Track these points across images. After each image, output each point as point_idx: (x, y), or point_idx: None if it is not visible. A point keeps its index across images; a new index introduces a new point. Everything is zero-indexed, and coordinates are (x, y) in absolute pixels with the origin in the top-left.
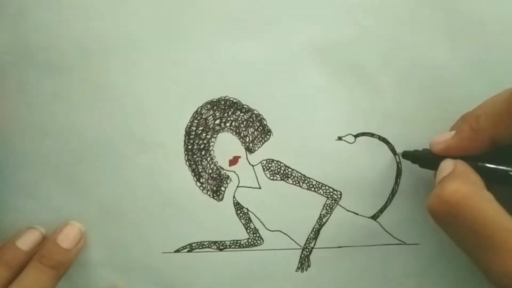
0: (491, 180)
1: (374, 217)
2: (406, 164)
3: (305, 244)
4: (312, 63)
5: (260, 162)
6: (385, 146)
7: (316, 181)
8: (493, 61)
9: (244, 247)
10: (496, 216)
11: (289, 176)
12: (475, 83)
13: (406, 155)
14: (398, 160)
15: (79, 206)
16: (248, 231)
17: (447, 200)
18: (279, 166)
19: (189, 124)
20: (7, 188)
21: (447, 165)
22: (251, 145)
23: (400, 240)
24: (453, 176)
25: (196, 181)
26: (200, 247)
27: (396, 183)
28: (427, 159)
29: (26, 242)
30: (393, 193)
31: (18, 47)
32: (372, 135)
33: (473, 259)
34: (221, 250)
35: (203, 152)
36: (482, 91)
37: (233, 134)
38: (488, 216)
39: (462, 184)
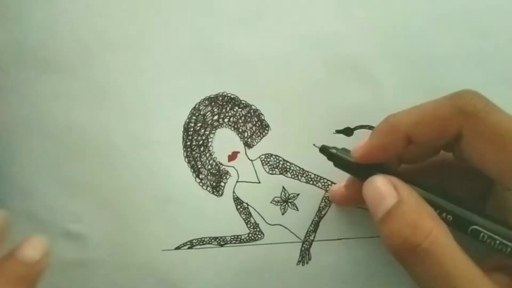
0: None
1: None
2: None
3: (305, 237)
4: (309, 57)
5: (259, 156)
6: None
7: (315, 174)
8: (493, 52)
9: (244, 242)
10: (465, 268)
11: (288, 170)
12: (475, 74)
13: (324, 149)
14: None
15: (78, 205)
16: (249, 225)
17: (419, 242)
18: (277, 160)
19: (187, 120)
20: (5, 187)
21: (385, 187)
22: (249, 140)
23: None
24: (416, 210)
25: (195, 177)
26: (201, 243)
27: None
28: (345, 160)
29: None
30: None
31: (16, 46)
32: (370, 127)
33: None
34: (221, 245)
35: (202, 148)
36: (482, 82)
37: (231, 130)
38: (458, 268)
39: (434, 223)
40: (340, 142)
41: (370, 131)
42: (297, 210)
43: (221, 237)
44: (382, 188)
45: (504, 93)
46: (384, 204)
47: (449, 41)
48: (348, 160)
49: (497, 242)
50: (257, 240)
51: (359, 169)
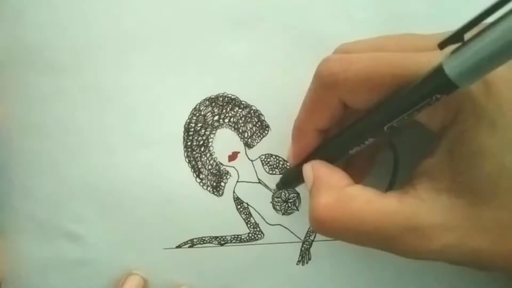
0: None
1: None
2: (403, 156)
3: (305, 238)
4: (308, 58)
5: (259, 157)
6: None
7: None
8: None
9: (245, 241)
10: (372, 211)
11: None
12: None
13: (278, 185)
14: (395, 153)
15: (78, 205)
16: (249, 225)
17: (322, 221)
18: (277, 161)
19: (188, 120)
20: (5, 188)
21: (307, 172)
22: (249, 140)
23: None
24: (315, 189)
25: (196, 177)
26: (201, 242)
27: (394, 175)
28: (291, 177)
29: None
30: (390, 185)
31: (16, 47)
32: None
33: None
34: (222, 245)
35: (202, 148)
36: None
37: (232, 130)
38: (366, 217)
39: (326, 198)
40: None
41: None
42: (297, 210)
43: (222, 237)
44: (306, 174)
45: None
46: (308, 187)
47: None
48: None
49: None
50: (257, 239)
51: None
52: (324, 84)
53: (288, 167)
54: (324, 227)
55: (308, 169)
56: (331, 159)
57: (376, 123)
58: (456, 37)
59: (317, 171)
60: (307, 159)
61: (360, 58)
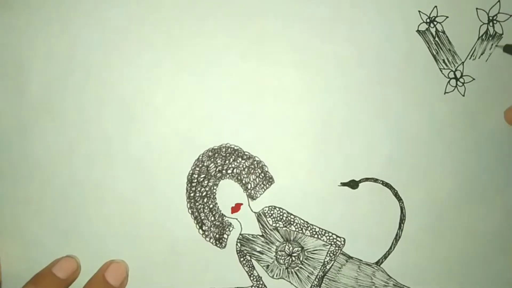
0: None
1: (378, 263)
2: (409, 209)
3: None
4: (312, 109)
5: (262, 209)
6: (388, 191)
7: (319, 228)
8: None
9: None
10: None
11: (292, 223)
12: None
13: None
14: (401, 205)
15: (79, 254)
16: (252, 278)
17: None
18: (281, 213)
19: (191, 172)
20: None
21: None
22: (253, 192)
23: (405, 286)
24: None
25: (198, 229)
26: None
27: (400, 228)
28: None
29: (61, 269)
30: (397, 238)
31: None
32: (375, 180)
33: None
34: None
35: (205, 200)
36: (484, 131)
37: (234, 181)
38: None
39: None
40: (346, 194)
41: (376, 184)
42: (301, 264)
43: None
44: None
45: None
46: None
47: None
48: None
49: None
50: None
51: None
52: None
53: (292, 219)
54: None
55: None
56: None
57: None
58: None
59: None
60: None
61: None
